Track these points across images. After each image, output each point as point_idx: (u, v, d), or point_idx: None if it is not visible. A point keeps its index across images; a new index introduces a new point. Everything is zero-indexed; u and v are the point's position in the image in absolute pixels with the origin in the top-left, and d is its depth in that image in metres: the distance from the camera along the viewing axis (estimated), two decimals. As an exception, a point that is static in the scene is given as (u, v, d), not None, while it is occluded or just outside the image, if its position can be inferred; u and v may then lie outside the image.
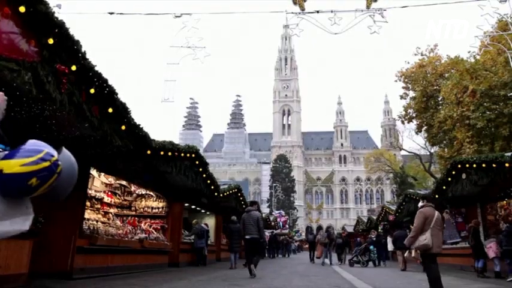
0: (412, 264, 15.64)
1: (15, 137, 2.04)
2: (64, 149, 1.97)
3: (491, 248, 10.60)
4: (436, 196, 12.70)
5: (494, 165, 9.55)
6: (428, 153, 35.05)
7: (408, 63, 28.95)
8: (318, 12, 8.39)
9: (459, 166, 10.71)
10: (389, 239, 21.25)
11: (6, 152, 1.75)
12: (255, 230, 9.18)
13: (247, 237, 9.25)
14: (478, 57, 21.55)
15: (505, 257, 10.08)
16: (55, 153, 1.76)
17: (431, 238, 5.81)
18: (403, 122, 30.55)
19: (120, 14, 8.21)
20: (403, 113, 29.58)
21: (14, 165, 1.66)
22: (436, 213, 6.12)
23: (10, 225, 1.72)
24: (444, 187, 11.97)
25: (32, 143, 1.77)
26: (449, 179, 11.48)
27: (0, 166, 1.66)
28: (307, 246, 32.16)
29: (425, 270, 6.32)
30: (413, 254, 15.60)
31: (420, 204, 6.52)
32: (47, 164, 1.69)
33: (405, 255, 15.64)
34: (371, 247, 17.50)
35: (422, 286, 8.07)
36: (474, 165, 10.08)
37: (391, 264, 18.80)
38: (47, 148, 1.75)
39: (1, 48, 3.72)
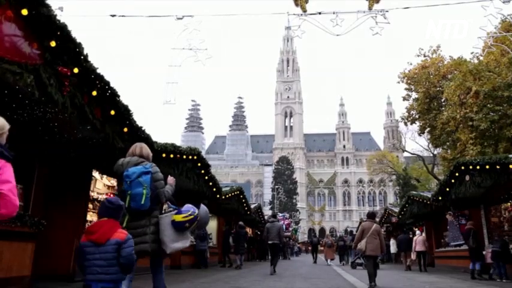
0: (415, 267, 15.56)
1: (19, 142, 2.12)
2: (202, 205, 4.13)
3: (490, 253, 10.50)
4: (440, 198, 12.63)
5: (498, 167, 9.48)
6: (431, 155, 34.93)
7: (411, 64, 28.91)
8: (319, 13, 8.36)
9: (462, 168, 10.64)
10: (392, 241, 21.18)
11: (176, 210, 3.83)
12: (277, 237, 11.05)
13: (270, 242, 11.11)
14: (481, 58, 21.50)
15: (493, 259, 10.03)
16: (196, 210, 3.88)
17: (366, 244, 7.77)
18: (405, 124, 30.49)
19: (122, 16, 8.23)
20: (406, 114, 29.51)
21: (179, 217, 3.77)
22: (374, 225, 8.03)
23: (180, 243, 3.81)
24: (447, 189, 11.89)
25: (187, 206, 3.88)
26: (453, 180, 11.41)
27: (173, 217, 3.77)
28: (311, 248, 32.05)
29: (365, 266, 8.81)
30: (413, 257, 16.00)
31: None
32: (192, 216, 3.81)
33: (411, 258, 15.85)
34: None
35: (425, 289, 8.01)
36: (478, 167, 10.00)
37: (394, 267, 18.70)
38: (193, 208, 3.87)
39: (4, 51, 3.72)
